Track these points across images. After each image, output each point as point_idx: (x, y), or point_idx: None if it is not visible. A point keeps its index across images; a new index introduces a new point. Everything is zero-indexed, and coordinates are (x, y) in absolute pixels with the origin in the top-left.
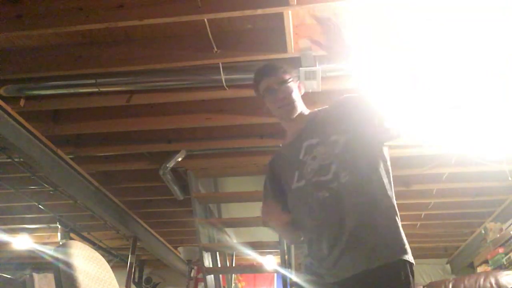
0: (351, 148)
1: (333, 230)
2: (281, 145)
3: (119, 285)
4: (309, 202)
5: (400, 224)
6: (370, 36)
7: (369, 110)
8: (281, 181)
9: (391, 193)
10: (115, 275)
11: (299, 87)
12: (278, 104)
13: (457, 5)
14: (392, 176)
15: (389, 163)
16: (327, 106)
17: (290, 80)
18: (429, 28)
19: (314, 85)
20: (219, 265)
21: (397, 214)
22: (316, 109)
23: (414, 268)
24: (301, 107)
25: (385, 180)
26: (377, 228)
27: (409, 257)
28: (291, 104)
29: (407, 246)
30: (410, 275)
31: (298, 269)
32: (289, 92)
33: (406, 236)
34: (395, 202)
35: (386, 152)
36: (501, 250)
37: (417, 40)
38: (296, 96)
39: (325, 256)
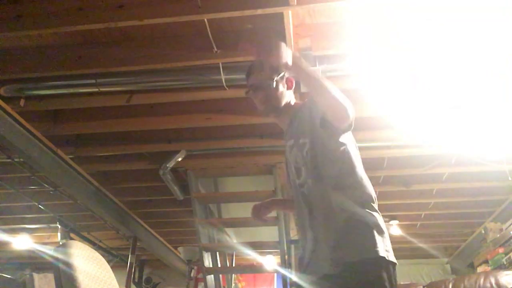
0: (313, 152)
1: (307, 233)
2: None
3: (119, 285)
4: (295, 200)
5: (370, 223)
6: (370, 36)
7: (318, 108)
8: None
9: (358, 192)
10: (115, 275)
11: (289, 81)
12: (259, 102)
13: (457, 5)
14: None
15: (353, 150)
16: (299, 106)
17: (273, 77)
18: (429, 27)
19: None
20: (219, 265)
21: (361, 219)
22: (303, 102)
23: (392, 266)
24: (286, 102)
25: (349, 180)
26: (336, 234)
27: (379, 255)
28: (271, 102)
29: (377, 247)
30: (384, 273)
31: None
32: (270, 90)
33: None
34: (365, 197)
35: (348, 138)
36: (501, 250)
37: (417, 40)
38: (279, 93)
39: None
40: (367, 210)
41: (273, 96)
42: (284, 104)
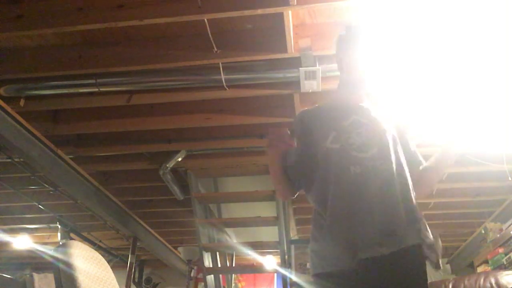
0: (395, 143)
1: (360, 208)
2: (317, 105)
3: (119, 285)
4: (339, 172)
5: (422, 220)
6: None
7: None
8: (308, 136)
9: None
10: (115, 275)
11: None
12: (360, 73)
13: (459, 3)
14: None
15: None
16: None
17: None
18: (429, 27)
19: (314, 85)
20: (219, 265)
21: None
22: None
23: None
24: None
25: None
26: (399, 219)
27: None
28: (365, 77)
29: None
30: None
31: (298, 269)
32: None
33: None
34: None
35: None
36: (501, 250)
37: (418, 40)
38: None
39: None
40: None
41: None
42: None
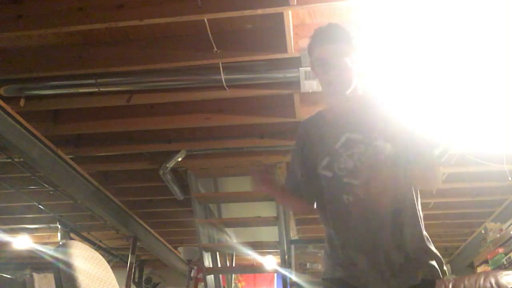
0: (392, 161)
1: (361, 243)
2: (321, 110)
3: (119, 285)
4: (333, 200)
5: (430, 245)
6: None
7: (403, 127)
8: (309, 152)
9: (420, 222)
10: (115, 275)
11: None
12: (329, 80)
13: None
14: None
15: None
16: (377, 96)
17: (349, 52)
18: (430, 26)
19: (314, 85)
20: (219, 265)
21: (426, 239)
22: (364, 96)
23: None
24: (355, 84)
25: (417, 207)
26: (408, 255)
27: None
28: (344, 83)
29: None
30: None
31: (298, 269)
32: (345, 68)
33: None
34: (422, 227)
35: None
36: (501, 250)
37: (418, 40)
38: (353, 72)
39: (353, 264)
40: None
41: (345, 76)
42: (353, 89)
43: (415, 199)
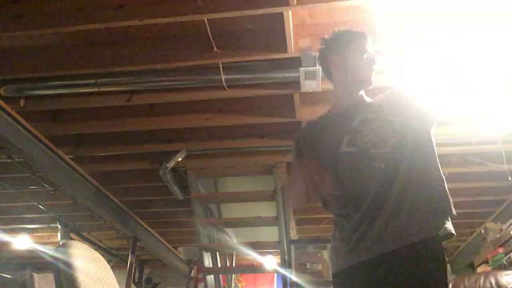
0: (408, 128)
1: (392, 204)
2: (321, 115)
3: (119, 285)
4: (363, 171)
5: (450, 201)
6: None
7: (411, 98)
8: (317, 148)
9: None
10: (115, 275)
11: None
12: (365, 73)
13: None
14: None
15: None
16: (380, 96)
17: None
18: (428, 23)
19: (314, 85)
20: (219, 265)
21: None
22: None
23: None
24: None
25: (438, 164)
26: (429, 206)
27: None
28: (368, 78)
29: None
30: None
31: (298, 269)
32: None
33: None
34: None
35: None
36: (501, 250)
37: (418, 39)
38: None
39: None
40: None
41: (372, 73)
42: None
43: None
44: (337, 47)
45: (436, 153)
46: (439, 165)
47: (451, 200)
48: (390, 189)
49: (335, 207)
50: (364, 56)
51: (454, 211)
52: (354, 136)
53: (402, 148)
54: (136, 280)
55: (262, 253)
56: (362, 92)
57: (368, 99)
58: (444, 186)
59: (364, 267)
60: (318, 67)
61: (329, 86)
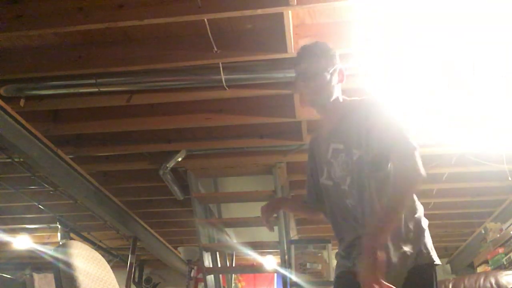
0: (360, 166)
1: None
2: (318, 130)
3: (119, 285)
4: (338, 206)
5: (416, 231)
6: (371, 35)
7: (386, 135)
8: (316, 166)
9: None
10: (115, 275)
11: (340, 73)
12: (307, 93)
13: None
14: None
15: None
16: (352, 102)
17: (325, 69)
18: (430, 26)
19: None
20: (219, 265)
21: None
22: (351, 99)
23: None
24: (334, 97)
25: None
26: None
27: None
28: (321, 95)
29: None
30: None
31: (298, 269)
32: (322, 82)
33: None
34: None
35: None
36: (501, 250)
37: (418, 39)
38: (331, 86)
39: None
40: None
41: (324, 89)
42: (333, 100)
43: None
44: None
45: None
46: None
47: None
48: (356, 224)
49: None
50: (300, 81)
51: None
52: (329, 169)
53: (352, 189)
54: (136, 280)
55: (262, 253)
56: (336, 102)
57: (344, 111)
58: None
59: None
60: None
61: None
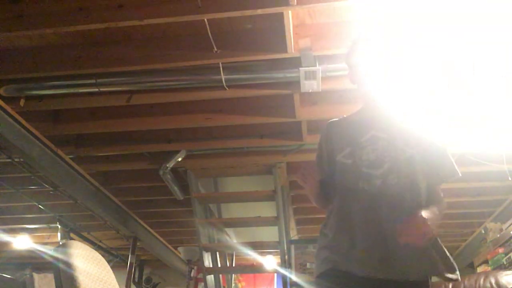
0: (413, 162)
1: (368, 229)
2: (345, 115)
3: (119, 285)
4: (347, 186)
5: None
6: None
7: (440, 158)
8: (332, 147)
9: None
10: (115, 275)
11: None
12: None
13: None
14: None
15: None
16: (396, 115)
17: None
18: (430, 26)
19: (314, 85)
20: (219, 265)
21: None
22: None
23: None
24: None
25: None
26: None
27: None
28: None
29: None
30: None
31: (298, 269)
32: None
33: None
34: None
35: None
36: (501, 250)
37: (418, 39)
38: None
39: (357, 249)
40: None
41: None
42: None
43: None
44: (354, 55)
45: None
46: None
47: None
48: (366, 211)
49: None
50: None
51: (448, 274)
52: (355, 150)
53: (389, 175)
54: (136, 280)
55: (262, 253)
56: (379, 103)
57: (387, 113)
58: (438, 244)
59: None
60: (318, 67)
61: (329, 86)
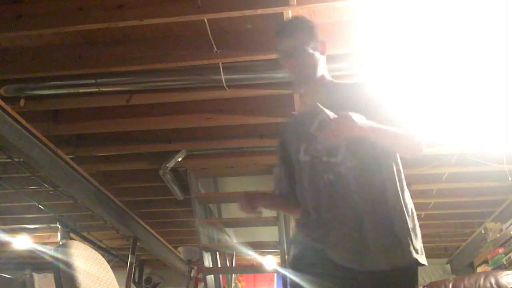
0: (362, 138)
1: (342, 220)
2: (295, 112)
3: (119, 285)
4: (315, 182)
5: (410, 221)
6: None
7: (386, 112)
8: (288, 150)
9: (401, 190)
10: (115, 275)
11: (321, 45)
12: (291, 71)
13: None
14: None
15: (400, 162)
16: (347, 83)
17: (310, 41)
18: (429, 25)
19: None
20: (219, 265)
21: (406, 212)
22: (337, 81)
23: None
24: (320, 74)
25: (396, 177)
26: (390, 228)
27: (418, 258)
28: (309, 70)
29: (414, 245)
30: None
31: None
32: (306, 56)
33: None
34: (405, 198)
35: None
36: (501, 250)
37: (418, 39)
38: (312, 63)
39: (329, 241)
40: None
41: (308, 64)
42: (319, 76)
43: (395, 172)
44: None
45: (396, 179)
46: (400, 194)
47: (413, 236)
48: (338, 205)
49: (301, 214)
50: (282, 58)
51: (413, 252)
52: (309, 143)
53: (348, 158)
54: (136, 280)
55: (262, 253)
56: (321, 78)
57: (332, 89)
58: (406, 221)
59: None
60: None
61: None
